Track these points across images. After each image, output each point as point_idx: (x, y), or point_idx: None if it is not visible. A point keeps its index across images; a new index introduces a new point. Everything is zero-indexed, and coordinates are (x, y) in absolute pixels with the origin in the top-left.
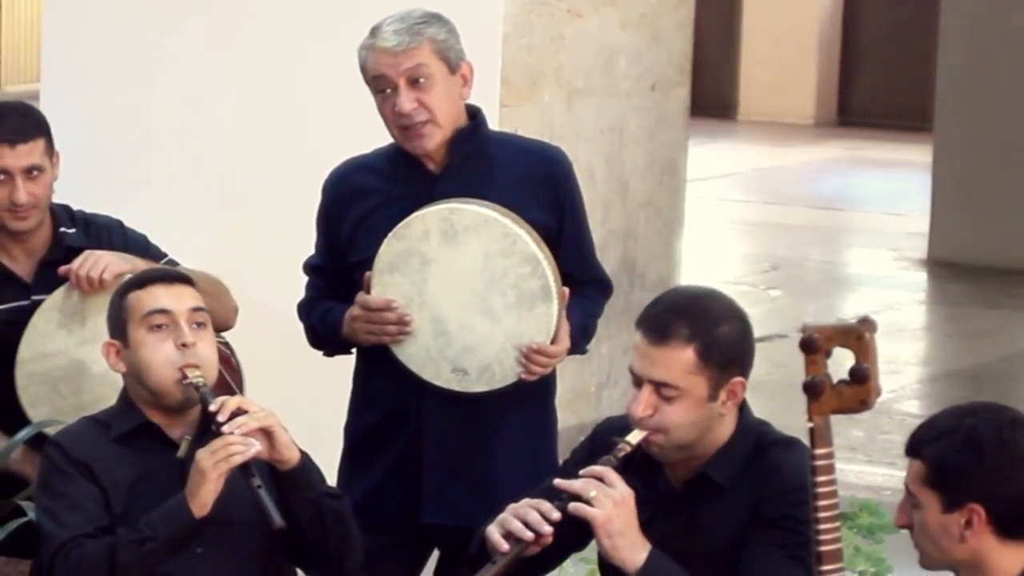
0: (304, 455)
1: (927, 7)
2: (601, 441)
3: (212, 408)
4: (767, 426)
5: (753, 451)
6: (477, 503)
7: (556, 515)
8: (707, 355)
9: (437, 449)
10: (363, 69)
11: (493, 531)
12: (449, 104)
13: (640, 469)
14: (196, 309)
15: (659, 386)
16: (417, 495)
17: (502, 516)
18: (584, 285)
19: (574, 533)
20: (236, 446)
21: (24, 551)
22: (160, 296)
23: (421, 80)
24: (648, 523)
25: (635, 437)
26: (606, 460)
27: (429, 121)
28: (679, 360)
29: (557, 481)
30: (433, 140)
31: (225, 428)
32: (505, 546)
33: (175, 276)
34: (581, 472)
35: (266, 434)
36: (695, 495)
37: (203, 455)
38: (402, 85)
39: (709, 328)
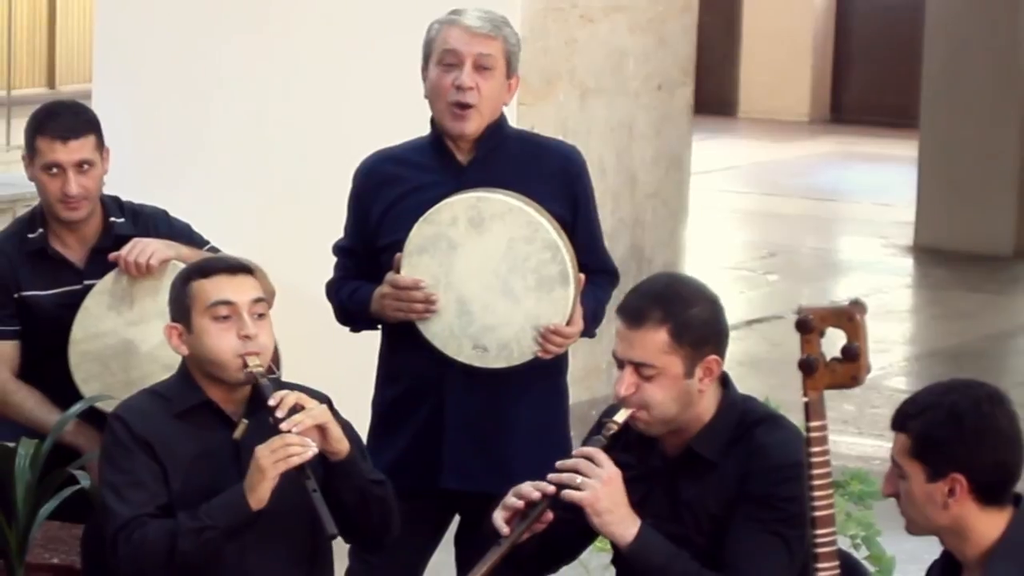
0: (352, 447)
1: (913, 13)
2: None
3: (271, 403)
4: (751, 401)
5: (738, 427)
6: (493, 471)
7: (551, 488)
8: (679, 335)
9: (457, 421)
10: (431, 42)
11: (497, 516)
12: (496, 100)
13: (634, 446)
14: (257, 300)
15: (638, 366)
16: (437, 463)
17: (504, 499)
18: (594, 274)
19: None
20: (294, 447)
21: (77, 517)
22: (224, 287)
23: (486, 68)
24: (643, 499)
25: (621, 416)
26: (596, 440)
27: (476, 107)
28: (654, 341)
29: (558, 463)
30: (472, 125)
31: (283, 426)
32: (506, 529)
33: (237, 266)
34: (573, 453)
35: (320, 430)
36: (685, 470)
37: (263, 453)
38: (469, 64)
39: (681, 310)
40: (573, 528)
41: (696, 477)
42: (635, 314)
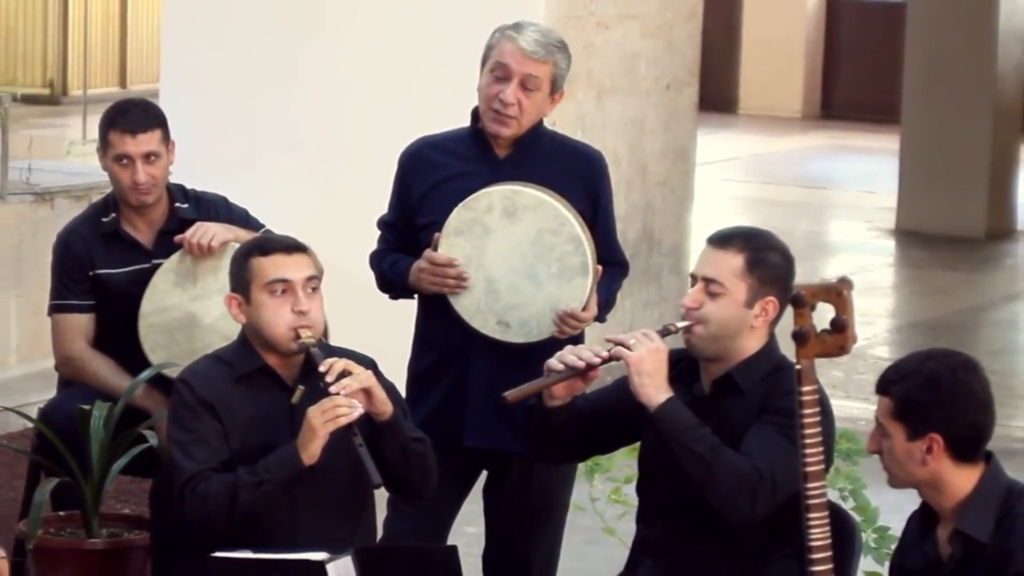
0: (395, 408)
1: (896, 20)
2: None
3: (321, 369)
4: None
5: (773, 369)
6: (511, 430)
7: (605, 353)
8: (752, 266)
9: (480, 386)
10: (490, 48)
11: (552, 360)
12: (535, 113)
13: (683, 375)
14: (311, 278)
15: (709, 282)
16: (462, 423)
17: (561, 352)
18: (608, 266)
19: (630, 427)
20: (342, 408)
21: (146, 472)
22: (281, 265)
23: (530, 87)
24: None
25: (681, 323)
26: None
27: (515, 118)
28: (730, 263)
29: (607, 335)
30: (509, 131)
31: (332, 388)
32: (560, 366)
33: (294, 246)
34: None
35: (366, 392)
36: (719, 396)
37: (314, 414)
38: (516, 82)
39: (761, 248)
40: (617, 425)
41: (728, 404)
42: (722, 239)
